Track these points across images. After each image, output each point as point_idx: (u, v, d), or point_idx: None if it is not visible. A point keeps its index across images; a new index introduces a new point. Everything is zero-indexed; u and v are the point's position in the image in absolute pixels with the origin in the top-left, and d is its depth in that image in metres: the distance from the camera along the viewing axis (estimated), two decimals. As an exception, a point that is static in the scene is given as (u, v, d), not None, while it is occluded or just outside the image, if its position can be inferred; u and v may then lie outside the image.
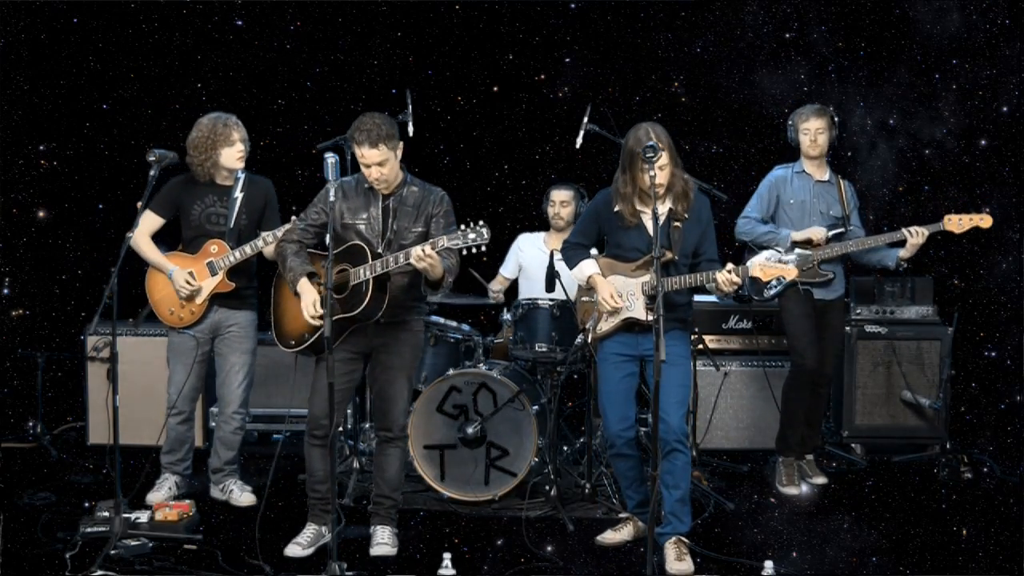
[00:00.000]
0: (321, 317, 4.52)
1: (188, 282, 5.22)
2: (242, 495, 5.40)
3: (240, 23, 6.98)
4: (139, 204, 5.07)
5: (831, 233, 5.51)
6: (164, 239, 5.38)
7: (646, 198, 4.58)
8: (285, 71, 7.03)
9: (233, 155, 5.25)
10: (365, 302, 4.54)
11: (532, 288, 6.06)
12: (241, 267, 5.27)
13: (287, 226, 5.00)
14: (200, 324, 5.30)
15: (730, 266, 4.48)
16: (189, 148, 5.22)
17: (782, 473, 5.69)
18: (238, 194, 5.29)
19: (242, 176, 5.32)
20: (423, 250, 4.41)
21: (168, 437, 5.44)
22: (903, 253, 5.48)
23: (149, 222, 5.32)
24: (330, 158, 4.43)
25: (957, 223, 5.39)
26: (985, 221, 5.40)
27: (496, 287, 6.28)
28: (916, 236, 5.39)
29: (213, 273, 5.25)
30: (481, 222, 4.40)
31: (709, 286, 4.57)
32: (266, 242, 5.19)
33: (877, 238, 5.49)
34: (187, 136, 5.26)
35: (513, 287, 6.33)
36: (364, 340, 4.74)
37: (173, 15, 6.92)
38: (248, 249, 5.21)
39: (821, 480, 5.73)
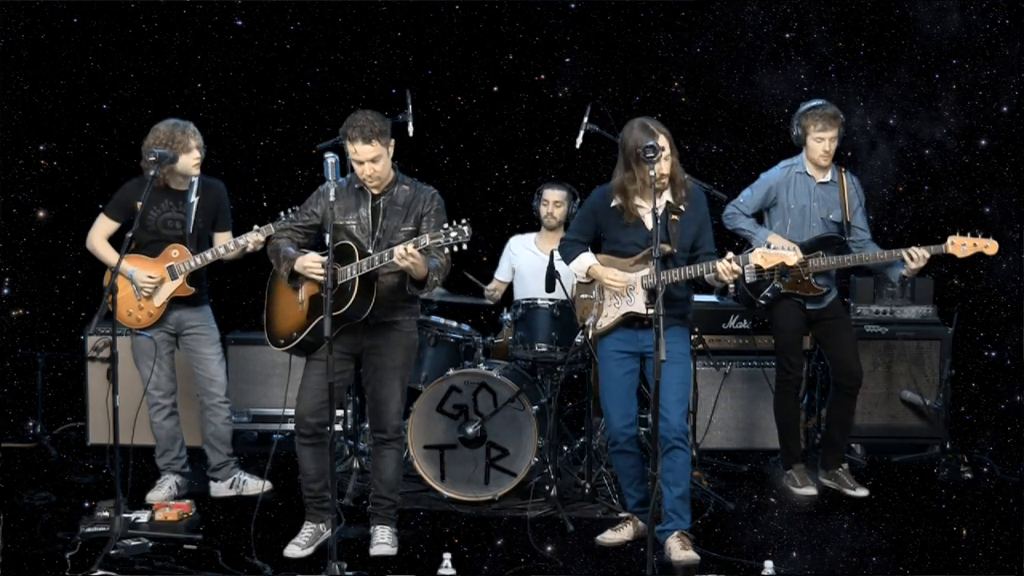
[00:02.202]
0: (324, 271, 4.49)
1: (150, 276, 5.25)
2: (257, 483, 5.45)
3: (240, 23, 6.97)
4: (138, 204, 5.09)
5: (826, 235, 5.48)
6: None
7: (649, 192, 4.59)
8: (285, 71, 7.03)
9: (190, 162, 5.29)
10: (351, 300, 4.54)
11: (527, 290, 6.04)
12: (197, 271, 5.34)
13: (250, 234, 5.13)
14: (157, 326, 5.35)
15: (730, 255, 4.46)
16: (145, 153, 5.23)
17: (794, 478, 5.67)
18: (194, 199, 5.34)
19: (196, 180, 5.35)
20: (405, 249, 4.40)
21: (159, 438, 5.46)
22: (905, 272, 5.37)
23: (104, 226, 5.39)
24: (330, 158, 4.44)
25: (960, 247, 5.19)
26: (991, 247, 5.19)
27: (492, 288, 6.26)
28: (917, 260, 5.24)
29: (173, 277, 5.29)
30: (464, 220, 4.38)
31: (708, 276, 4.56)
32: (227, 250, 5.26)
33: (876, 255, 5.38)
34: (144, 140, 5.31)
35: (509, 289, 6.31)
36: (354, 341, 4.73)
37: (173, 15, 6.91)
38: (209, 255, 5.29)
39: (862, 492, 5.58)
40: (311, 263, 4.58)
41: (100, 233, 5.40)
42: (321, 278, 4.51)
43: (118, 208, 5.38)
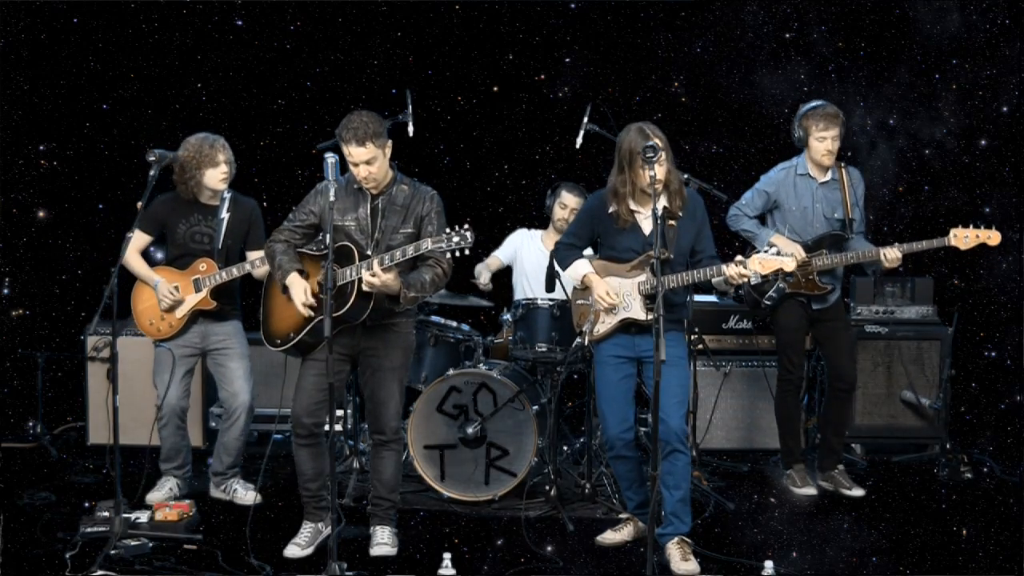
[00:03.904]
0: (313, 307, 4.54)
1: (171, 292, 5.26)
2: (247, 494, 5.41)
3: (240, 23, 6.98)
4: (139, 204, 5.09)
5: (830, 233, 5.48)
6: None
7: (643, 197, 4.59)
8: (285, 71, 7.03)
9: (217, 176, 5.27)
10: (350, 302, 4.53)
11: (526, 283, 6.03)
12: (225, 287, 5.32)
13: None
14: (178, 338, 5.34)
15: (739, 258, 4.46)
16: (174, 166, 5.24)
17: (794, 478, 5.68)
18: (224, 215, 5.33)
19: (228, 196, 5.35)
20: (370, 274, 4.39)
21: (163, 445, 5.46)
22: (881, 268, 5.39)
23: (137, 240, 5.39)
24: (330, 158, 4.43)
25: (963, 239, 5.19)
26: (993, 238, 5.20)
27: (484, 278, 6.05)
28: (890, 262, 5.28)
29: (198, 290, 5.29)
30: (467, 225, 4.38)
31: (716, 281, 4.56)
32: (254, 266, 5.25)
33: (866, 252, 5.36)
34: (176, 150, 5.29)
35: (506, 286, 6.28)
36: (351, 342, 4.72)
37: (173, 15, 6.92)
38: (235, 271, 5.27)
39: (859, 492, 5.59)
40: (302, 296, 4.57)
41: (133, 247, 5.37)
42: (309, 312, 4.54)
43: (148, 221, 5.37)
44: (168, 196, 5.37)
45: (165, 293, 5.27)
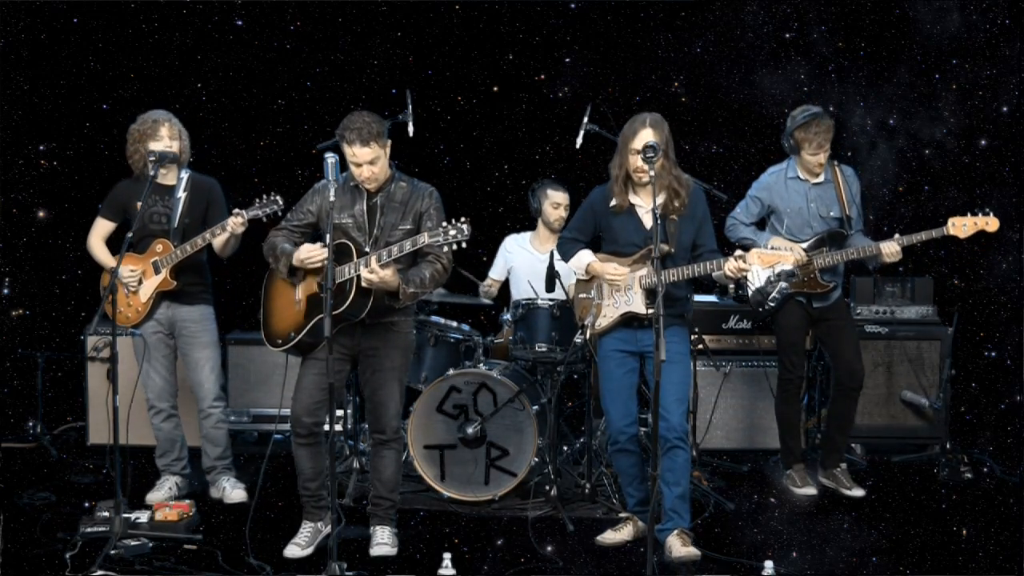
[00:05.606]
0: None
1: (132, 270, 5.26)
2: (233, 491, 5.40)
3: (240, 23, 6.98)
4: (138, 204, 5.09)
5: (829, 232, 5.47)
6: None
7: (640, 187, 4.61)
8: (285, 71, 7.03)
9: (158, 148, 5.22)
10: (349, 300, 4.53)
11: (523, 289, 6.04)
12: (188, 265, 5.30)
13: (230, 218, 5.04)
14: (148, 322, 5.33)
15: (738, 252, 4.46)
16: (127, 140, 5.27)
17: (794, 478, 5.68)
18: (181, 194, 5.32)
19: (185, 176, 5.33)
20: (370, 269, 4.40)
21: (158, 440, 5.46)
22: (881, 262, 5.39)
23: (101, 228, 5.41)
24: (330, 158, 4.44)
25: (962, 227, 5.23)
26: (991, 224, 5.24)
27: (487, 285, 6.24)
28: (890, 256, 5.29)
29: (157, 272, 5.28)
30: (463, 219, 4.38)
31: (716, 275, 4.57)
32: (213, 234, 5.16)
33: (866, 248, 5.35)
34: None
35: (505, 289, 6.30)
36: (351, 342, 4.72)
37: (173, 15, 6.92)
38: (188, 247, 5.22)
39: (859, 492, 5.59)
40: (307, 253, 4.58)
41: (97, 235, 5.41)
42: (322, 263, 4.51)
43: (111, 208, 5.39)
44: (127, 181, 5.38)
45: (127, 275, 5.26)
